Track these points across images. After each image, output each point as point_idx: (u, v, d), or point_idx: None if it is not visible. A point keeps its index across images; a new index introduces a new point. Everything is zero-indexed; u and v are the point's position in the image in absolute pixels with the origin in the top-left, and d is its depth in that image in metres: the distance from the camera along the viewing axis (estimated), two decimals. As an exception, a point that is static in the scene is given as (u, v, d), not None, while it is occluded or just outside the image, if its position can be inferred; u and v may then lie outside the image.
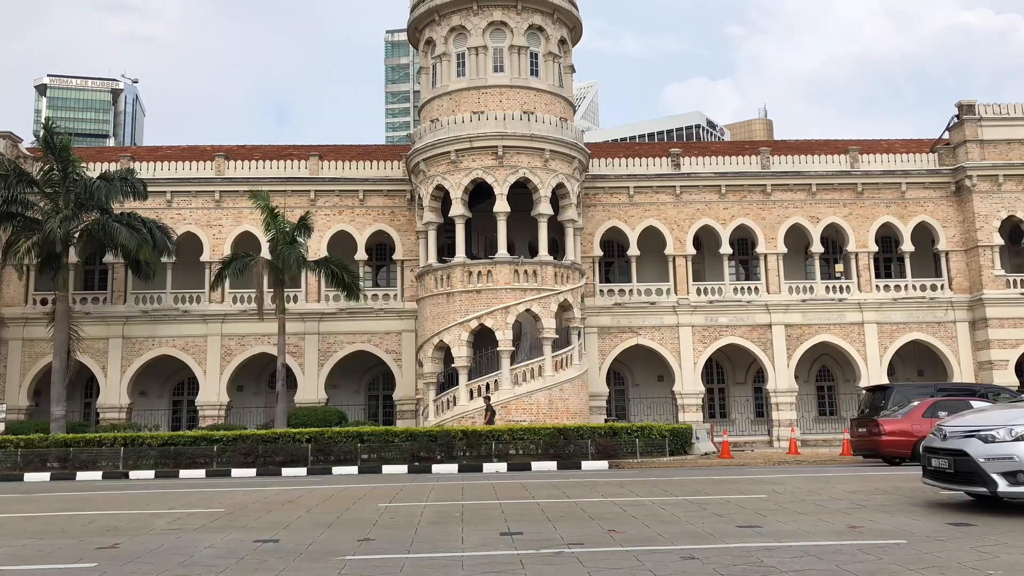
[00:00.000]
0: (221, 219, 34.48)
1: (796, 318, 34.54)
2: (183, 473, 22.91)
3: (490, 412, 26.73)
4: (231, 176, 34.54)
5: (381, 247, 36.01)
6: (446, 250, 32.64)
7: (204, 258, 34.00)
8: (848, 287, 35.07)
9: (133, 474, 23.06)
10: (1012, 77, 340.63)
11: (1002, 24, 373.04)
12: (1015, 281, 34.49)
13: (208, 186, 34.48)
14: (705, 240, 35.79)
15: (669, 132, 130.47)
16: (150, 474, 23.03)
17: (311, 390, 33.04)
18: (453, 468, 22.94)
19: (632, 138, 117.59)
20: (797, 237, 35.76)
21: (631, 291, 34.47)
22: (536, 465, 23.18)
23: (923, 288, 35.14)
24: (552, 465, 23.23)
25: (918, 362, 36.52)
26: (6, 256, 30.02)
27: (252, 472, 22.86)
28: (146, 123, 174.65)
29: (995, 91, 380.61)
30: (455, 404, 29.31)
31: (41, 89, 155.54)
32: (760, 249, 35.10)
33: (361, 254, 34.27)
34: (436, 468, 22.88)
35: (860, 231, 35.23)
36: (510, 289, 29.79)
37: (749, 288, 35.02)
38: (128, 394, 33.09)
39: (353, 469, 23.06)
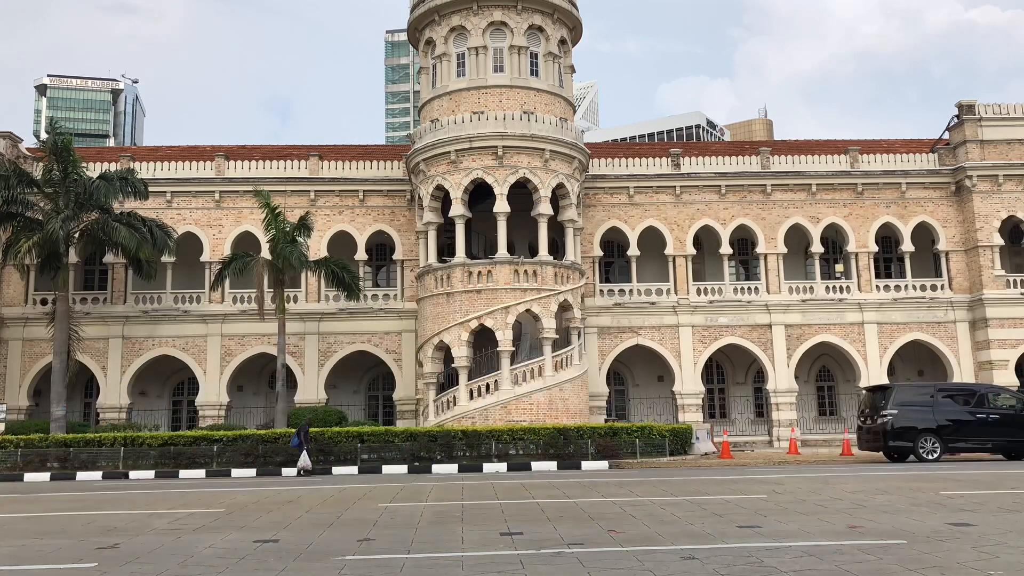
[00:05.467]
0: (221, 219, 34.47)
1: (796, 318, 34.52)
2: (183, 473, 22.93)
3: None
4: (231, 176, 34.51)
5: (381, 247, 35.99)
6: (446, 250, 32.62)
7: (204, 258, 33.97)
8: (848, 287, 35.05)
9: (133, 474, 23.08)
10: (1016, 75, 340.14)
11: (1007, 21, 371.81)
12: (1015, 281, 34.47)
13: (208, 186, 34.45)
14: (705, 240, 35.77)
15: (669, 132, 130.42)
16: (150, 474, 23.05)
17: (311, 390, 33.03)
18: (453, 468, 22.97)
19: (632, 138, 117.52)
20: (797, 237, 35.74)
21: (631, 291, 34.45)
22: (536, 465, 23.20)
23: (923, 288, 35.12)
24: (552, 465, 23.25)
25: (918, 362, 36.50)
26: (6, 256, 29.99)
27: (252, 472, 22.90)
28: (146, 123, 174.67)
29: (999, 89, 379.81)
30: (455, 404, 29.30)
31: (41, 89, 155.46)
32: (760, 249, 35.08)
33: (361, 254, 34.25)
34: (436, 468, 22.91)
35: (860, 231, 35.21)
36: (510, 289, 29.78)
37: (749, 288, 35.00)
38: (128, 394, 33.06)
39: (353, 469, 23.09)
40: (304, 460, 22.68)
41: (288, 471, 22.83)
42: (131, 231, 29.33)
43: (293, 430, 25.36)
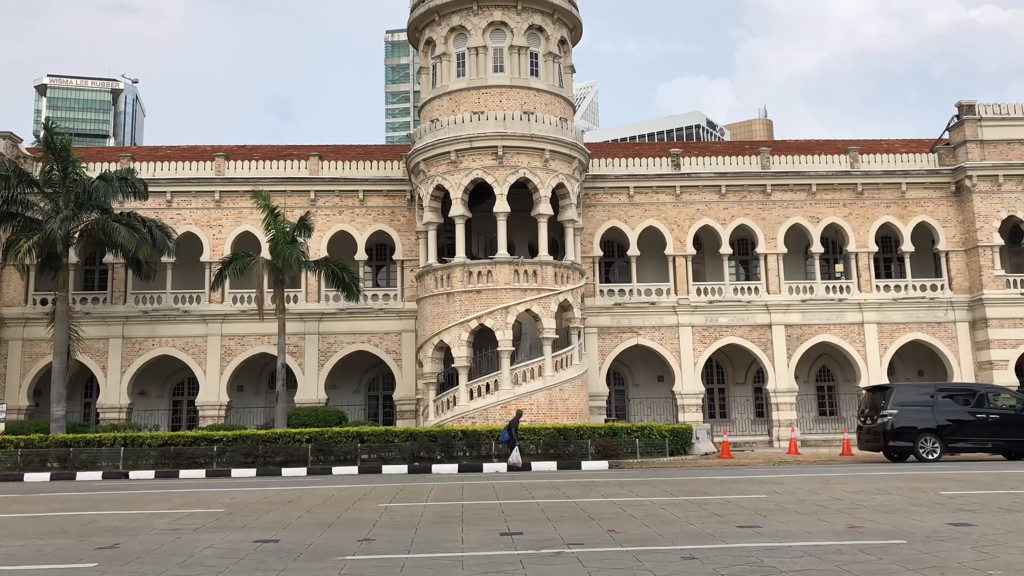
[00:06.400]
0: (221, 219, 34.47)
1: (796, 318, 34.52)
2: (183, 473, 22.92)
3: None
4: (231, 176, 34.51)
5: (381, 247, 35.99)
6: (446, 250, 32.62)
7: (204, 258, 33.97)
8: (848, 287, 35.05)
9: (133, 474, 23.08)
10: (1016, 75, 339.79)
11: (1007, 21, 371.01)
12: (1015, 281, 34.47)
13: (208, 186, 34.46)
14: (705, 240, 35.77)
15: (669, 132, 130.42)
16: (150, 474, 23.04)
17: (311, 390, 33.03)
18: (453, 468, 22.97)
19: (632, 138, 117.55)
20: (797, 237, 35.74)
21: (631, 291, 34.45)
22: (536, 465, 23.19)
23: (923, 288, 35.12)
24: (552, 465, 23.25)
25: (918, 362, 36.50)
26: (6, 256, 29.99)
27: (252, 472, 22.89)
28: (146, 123, 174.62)
29: (999, 89, 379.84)
30: (455, 404, 29.29)
31: (41, 89, 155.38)
32: (760, 249, 35.08)
33: (361, 254, 34.25)
34: (436, 468, 22.91)
35: (860, 231, 35.21)
36: (510, 289, 29.78)
37: (749, 288, 35.00)
38: (128, 394, 33.06)
39: (353, 469, 23.08)
40: (515, 456, 22.66)
41: (289, 471, 22.82)
42: (131, 231, 29.33)
43: (293, 430, 25.38)
